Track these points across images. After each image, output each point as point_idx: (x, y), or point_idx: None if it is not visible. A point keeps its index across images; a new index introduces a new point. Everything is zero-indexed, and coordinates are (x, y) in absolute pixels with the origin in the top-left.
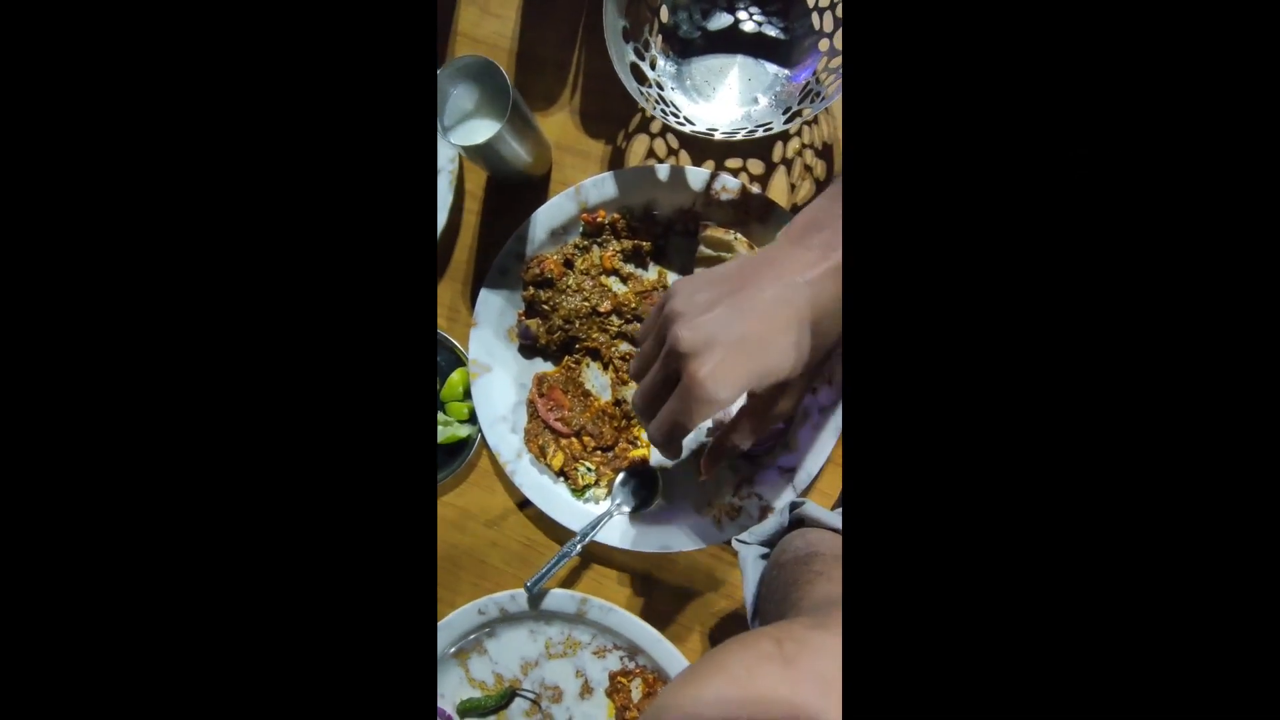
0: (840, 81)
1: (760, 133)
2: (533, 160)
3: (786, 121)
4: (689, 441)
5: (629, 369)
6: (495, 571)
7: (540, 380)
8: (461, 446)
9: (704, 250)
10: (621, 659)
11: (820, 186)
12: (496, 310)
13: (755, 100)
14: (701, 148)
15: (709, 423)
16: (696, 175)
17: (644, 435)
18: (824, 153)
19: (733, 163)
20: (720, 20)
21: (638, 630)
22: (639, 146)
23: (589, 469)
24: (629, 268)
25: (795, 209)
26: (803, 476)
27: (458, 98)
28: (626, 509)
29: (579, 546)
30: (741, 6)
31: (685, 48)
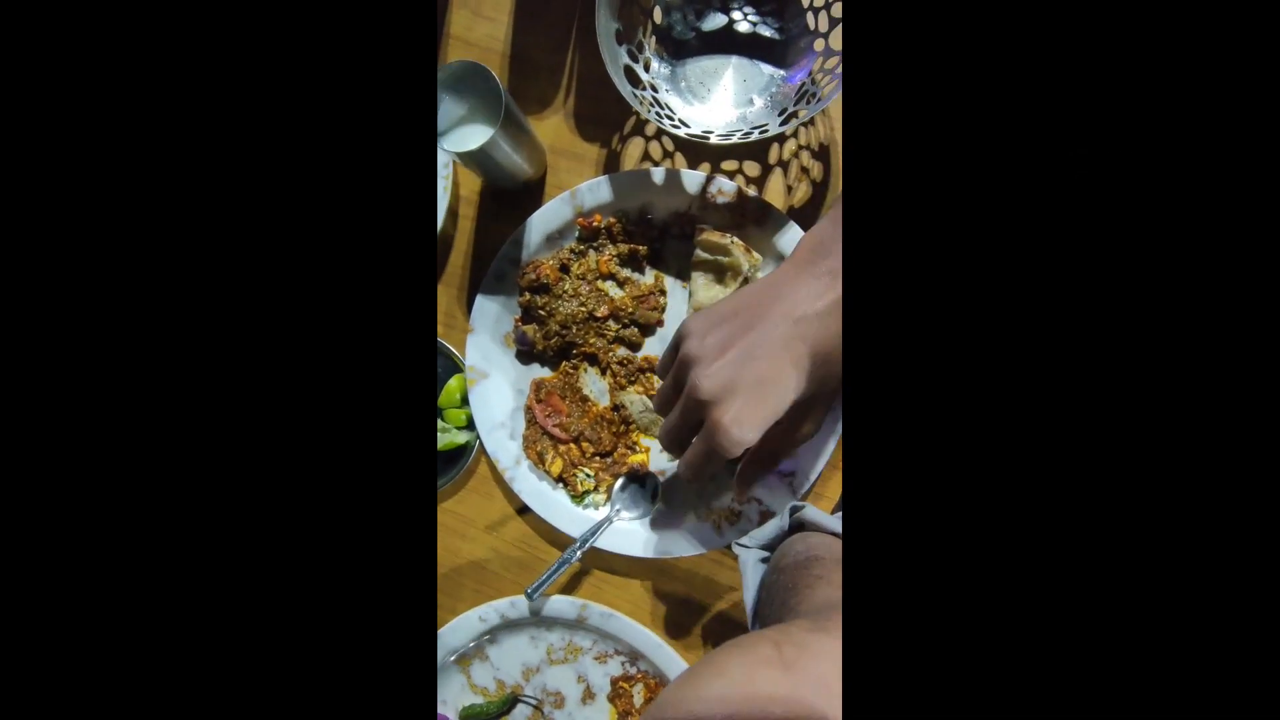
0: (836, 82)
1: (756, 135)
2: (527, 165)
3: (782, 123)
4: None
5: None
6: (496, 578)
7: (538, 386)
8: (460, 453)
9: (700, 254)
10: (623, 664)
11: (817, 188)
12: (493, 316)
13: (751, 101)
14: (697, 150)
15: None
16: (692, 178)
17: (642, 441)
18: (820, 154)
19: (728, 165)
20: (714, 20)
21: (638, 635)
22: (634, 149)
23: (588, 475)
24: (625, 272)
25: (792, 211)
26: (802, 480)
27: (450, 103)
28: (626, 515)
29: (579, 553)
30: (736, 6)
31: (679, 49)
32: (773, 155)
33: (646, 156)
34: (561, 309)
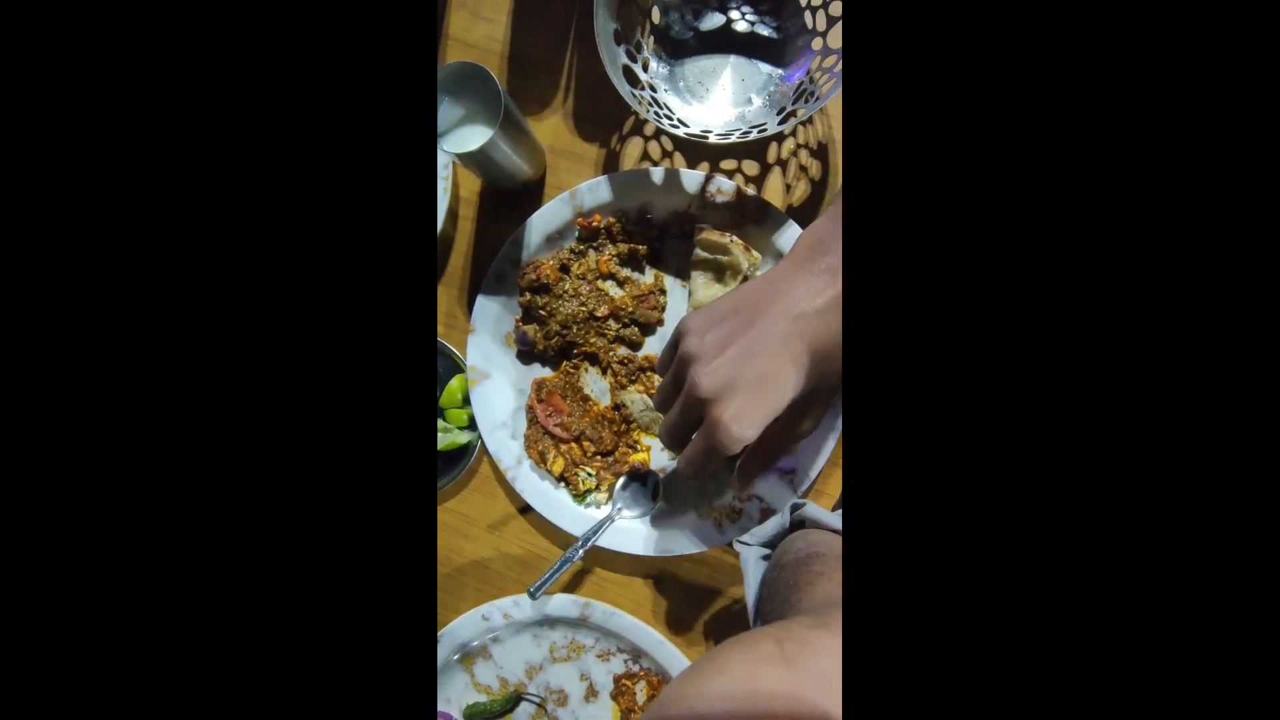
0: (834, 81)
1: (754, 134)
2: (527, 166)
3: (781, 122)
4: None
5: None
6: (498, 577)
7: (539, 386)
8: (462, 453)
9: (700, 253)
10: (625, 662)
11: (815, 187)
12: (494, 316)
13: (749, 100)
14: (696, 150)
15: None
16: (691, 178)
17: (643, 439)
18: (819, 153)
19: (727, 164)
20: (712, 20)
21: (641, 633)
22: (633, 149)
23: (589, 474)
24: (625, 271)
25: (791, 210)
26: (803, 478)
27: (450, 104)
28: (627, 513)
29: (581, 551)
30: (734, 6)
31: (678, 49)
32: (771, 154)
33: (645, 156)
34: (562, 309)
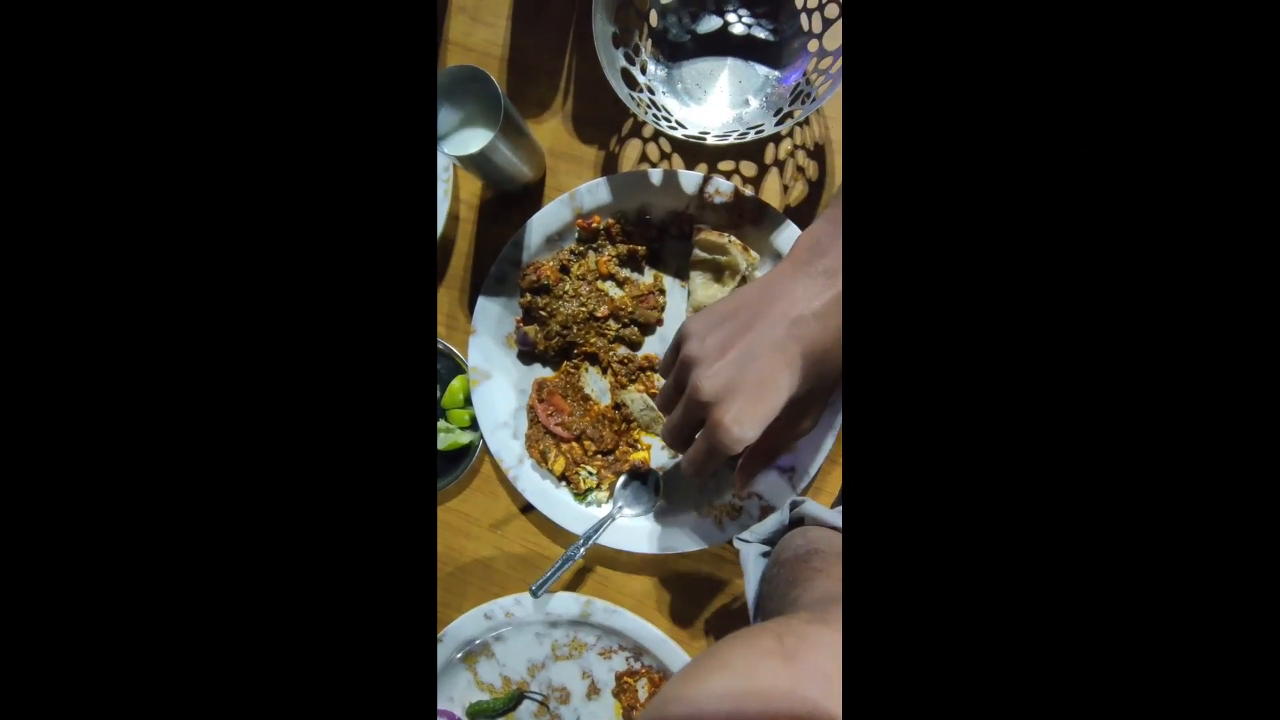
0: (830, 82)
1: (752, 135)
2: (526, 168)
3: (778, 123)
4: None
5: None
6: (500, 576)
7: (540, 386)
8: (464, 453)
9: (698, 253)
10: (627, 659)
11: (813, 187)
12: (494, 317)
13: (746, 102)
14: (694, 151)
15: None
16: (689, 179)
17: (644, 438)
18: (816, 154)
19: (725, 165)
20: (709, 23)
21: (642, 631)
22: (632, 151)
23: (590, 473)
24: (625, 272)
25: (788, 210)
26: (802, 476)
27: (450, 108)
28: (628, 512)
29: (582, 550)
30: (731, 9)
31: (675, 51)
32: (769, 155)
33: (644, 158)
34: (562, 309)
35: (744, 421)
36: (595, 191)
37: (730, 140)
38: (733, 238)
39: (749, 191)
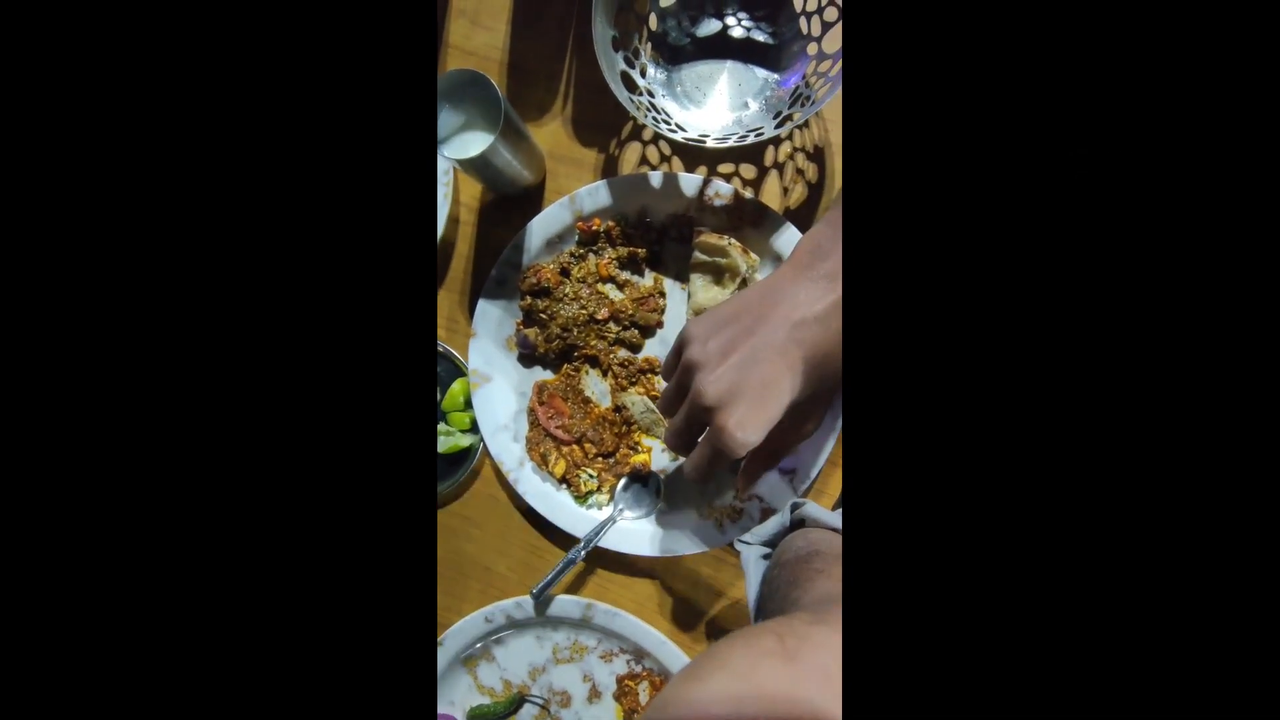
0: (830, 85)
1: (751, 138)
2: (527, 171)
3: (777, 126)
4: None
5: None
6: (501, 579)
7: (540, 388)
8: (464, 456)
9: (699, 256)
10: (628, 662)
11: (812, 190)
12: (495, 320)
13: (746, 105)
14: (694, 154)
15: None
16: (689, 181)
17: (644, 441)
18: (815, 156)
19: (725, 168)
20: (709, 26)
21: (643, 634)
22: (632, 154)
23: (591, 475)
24: (625, 275)
25: (788, 213)
26: (803, 478)
27: (450, 111)
28: (629, 514)
29: (583, 552)
30: (730, 12)
31: (675, 54)
32: (768, 158)
33: (644, 161)
34: (562, 312)
35: (748, 426)
36: (595, 194)
37: (730, 143)
38: (733, 240)
39: (749, 194)
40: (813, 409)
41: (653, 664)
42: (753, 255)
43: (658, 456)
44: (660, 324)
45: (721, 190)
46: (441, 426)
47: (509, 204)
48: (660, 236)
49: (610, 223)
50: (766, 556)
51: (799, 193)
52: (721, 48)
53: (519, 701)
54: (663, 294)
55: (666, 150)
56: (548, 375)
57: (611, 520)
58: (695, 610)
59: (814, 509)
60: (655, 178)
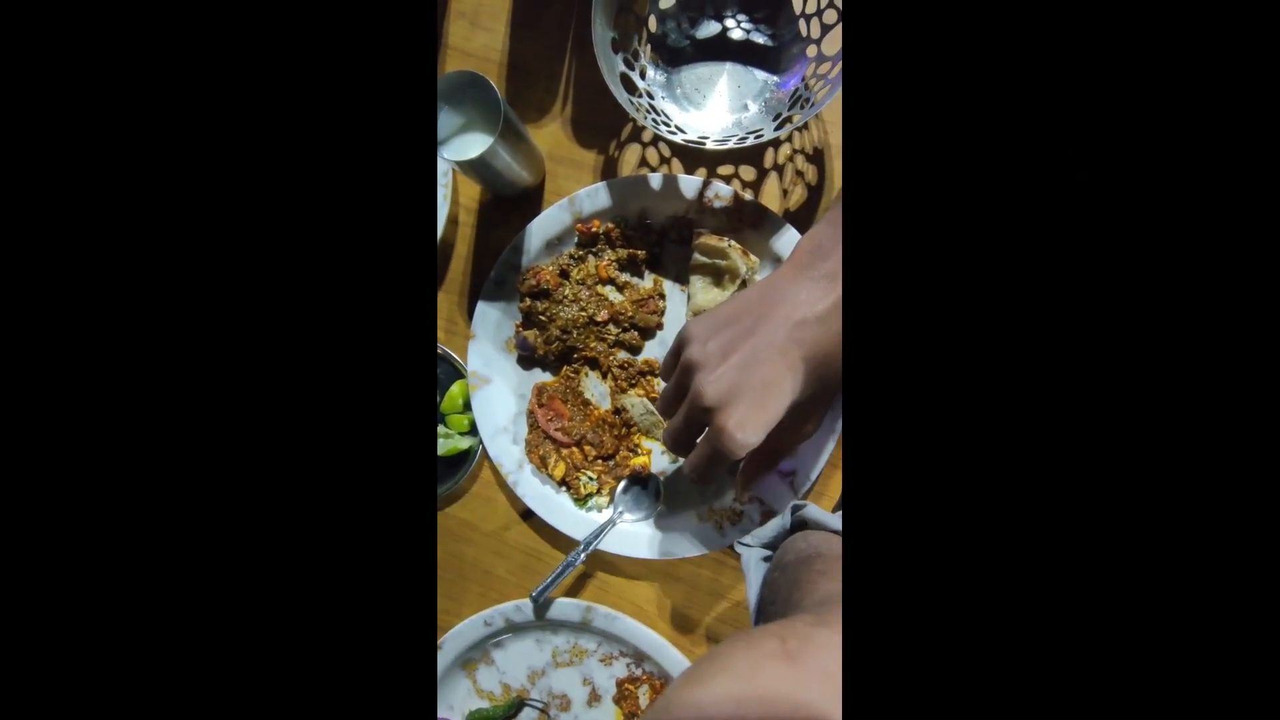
0: (829, 87)
1: (751, 140)
2: (526, 172)
3: (777, 128)
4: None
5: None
6: (500, 582)
7: (539, 391)
8: (463, 458)
9: (698, 258)
10: (628, 666)
11: (812, 191)
12: (494, 322)
13: (745, 107)
14: (694, 156)
15: None
16: (689, 183)
17: (644, 443)
18: (815, 158)
19: (724, 170)
20: (708, 28)
21: (643, 637)
22: (631, 155)
23: (590, 478)
24: (625, 276)
25: (788, 214)
26: (803, 480)
27: (449, 113)
28: (629, 517)
29: (583, 555)
30: (729, 14)
31: (674, 56)
32: (768, 159)
33: (644, 162)
34: (562, 314)
35: (747, 427)
36: (595, 196)
37: (729, 145)
38: (732, 242)
39: (748, 196)
40: (813, 410)
41: (653, 667)
42: (752, 257)
43: (657, 459)
44: (660, 326)
45: (721, 192)
46: (440, 429)
47: (508, 205)
48: (660, 238)
49: (610, 224)
50: (767, 559)
51: (798, 195)
52: (721, 50)
53: (518, 705)
54: (662, 296)
55: (666, 152)
56: (547, 377)
57: (611, 523)
58: (695, 613)
59: (814, 511)
60: (655, 179)
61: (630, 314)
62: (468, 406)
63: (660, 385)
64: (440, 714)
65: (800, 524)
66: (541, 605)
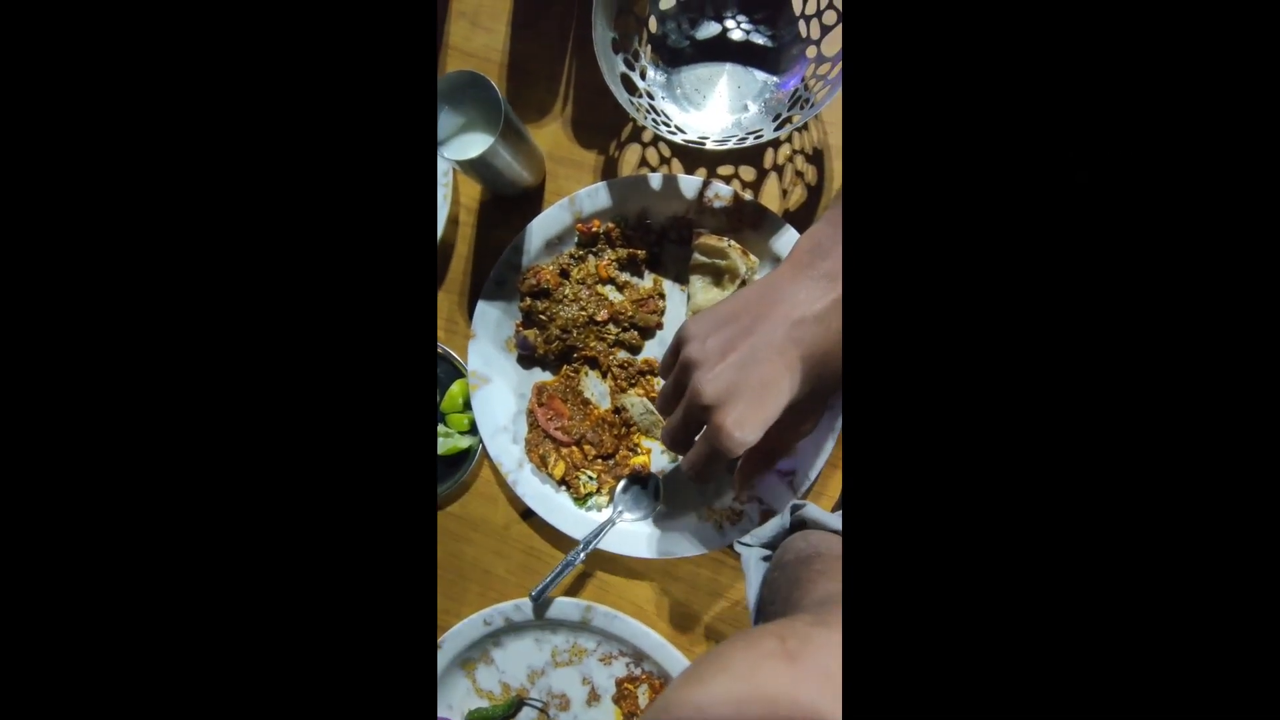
0: (829, 88)
1: (751, 140)
2: (526, 172)
3: (777, 129)
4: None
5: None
6: (500, 581)
7: (539, 390)
8: (463, 458)
9: (699, 258)
10: (628, 665)
11: (812, 191)
12: (494, 321)
13: (745, 107)
14: (694, 156)
15: None
16: (689, 183)
17: (644, 442)
18: (814, 158)
19: (724, 170)
20: (708, 29)
21: (643, 636)
22: (631, 155)
23: (590, 477)
24: (625, 276)
25: (787, 215)
26: (803, 479)
27: (450, 113)
28: (628, 516)
29: (582, 555)
30: (729, 15)
31: (674, 57)
32: (767, 160)
33: (644, 162)
34: (562, 313)
35: (745, 425)
36: (595, 196)
37: (729, 145)
38: (732, 242)
39: (748, 196)
40: (811, 408)
41: (652, 667)
42: (752, 257)
43: (657, 458)
44: (660, 325)
45: (721, 192)
46: (440, 428)
47: (508, 205)
48: (660, 238)
49: (610, 224)
50: (767, 558)
51: (798, 195)
52: (721, 50)
53: (518, 704)
54: (662, 295)
55: (666, 152)
56: (547, 377)
57: (611, 522)
58: (695, 612)
59: (814, 510)
60: (655, 179)
61: (630, 313)
62: (468, 406)
63: (660, 384)
64: (440, 713)
65: (800, 523)
66: (541, 604)
